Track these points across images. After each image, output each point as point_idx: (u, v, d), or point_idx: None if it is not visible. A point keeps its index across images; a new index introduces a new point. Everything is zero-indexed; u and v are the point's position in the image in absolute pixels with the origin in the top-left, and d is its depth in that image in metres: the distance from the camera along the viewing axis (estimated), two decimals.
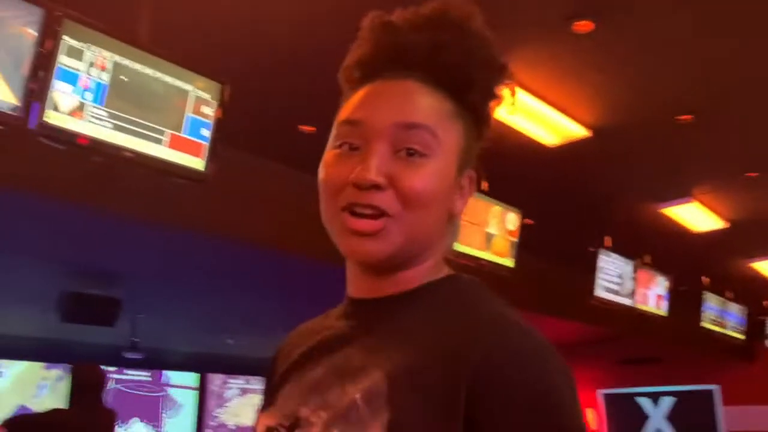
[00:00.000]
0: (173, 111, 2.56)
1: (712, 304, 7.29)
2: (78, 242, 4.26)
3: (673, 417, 9.44)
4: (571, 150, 4.06)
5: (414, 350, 0.72)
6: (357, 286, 0.83)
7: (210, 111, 2.66)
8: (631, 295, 5.67)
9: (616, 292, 5.47)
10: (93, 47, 2.36)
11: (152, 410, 8.05)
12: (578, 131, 3.88)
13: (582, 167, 4.47)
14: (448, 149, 0.79)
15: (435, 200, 0.77)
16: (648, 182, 4.85)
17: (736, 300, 7.65)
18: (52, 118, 2.27)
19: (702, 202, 5.14)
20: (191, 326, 7.24)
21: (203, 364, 8.59)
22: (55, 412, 3.77)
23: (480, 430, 0.66)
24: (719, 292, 7.34)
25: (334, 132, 0.81)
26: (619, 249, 5.42)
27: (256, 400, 8.86)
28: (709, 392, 9.22)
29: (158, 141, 2.52)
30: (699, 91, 3.57)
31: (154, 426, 8.01)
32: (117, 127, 2.42)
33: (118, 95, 2.43)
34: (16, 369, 6.96)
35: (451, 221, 0.83)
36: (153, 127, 2.51)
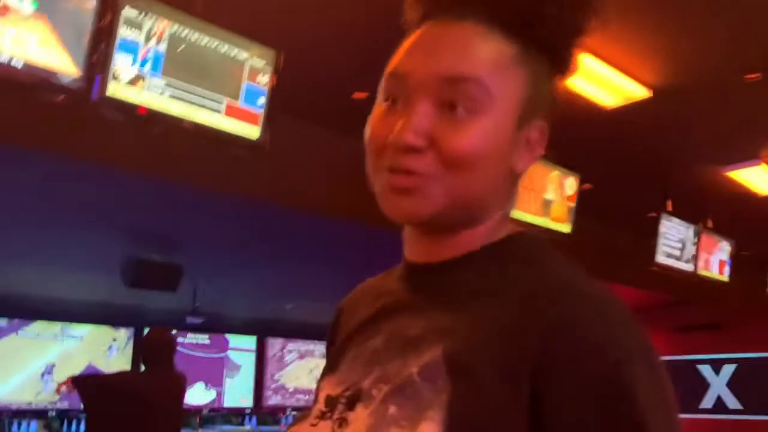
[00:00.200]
0: (230, 79, 2.58)
1: None
2: (141, 210, 4.37)
3: (734, 384, 9.26)
4: (631, 111, 3.95)
5: (472, 322, 0.67)
6: (412, 249, 0.77)
7: (265, 79, 2.68)
8: (693, 260, 5.53)
9: (677, 258, 5.35)
10: (150, 17, 2.39)
11: (213, 372, 8.28)
12: (639, 92, 3.77)
13: (643, 129, 4.34)
14: (503, 103, 0.70)
15: (485, 161, 0.69)
16: (712, 144, 4.69)
17: None
18: (112, 89, 2.32)
19: None
20: (251, 292, 7.39)
21: (262, 329, 8.76)
22: (124, 375, 3.84)
23: (545, 411, 0.61)
24: None
25: (381, 84, 0.73)
26: (681, 213, 5.28)
27: (314, 363, 9.05)
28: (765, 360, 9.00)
29: (216, 110, 2.55)
30: (765, 48, 3.42)
31: (215, 387, 8.25)
32: (175, 97, 2.46)
33: (176, 65, 2.46)
34: (84, 330, 7.25)
35: (513, 179, 0.75)
36: (210, 96, 2.54)
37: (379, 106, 0.73)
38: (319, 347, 8.48)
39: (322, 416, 0.74)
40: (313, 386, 0.85)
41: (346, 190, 3.92)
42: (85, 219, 4.56)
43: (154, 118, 2.42)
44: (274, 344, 8.90)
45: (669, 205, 5.22)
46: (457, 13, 0.71)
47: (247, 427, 8.46)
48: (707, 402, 9.36)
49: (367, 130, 0.73)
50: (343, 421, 0.70)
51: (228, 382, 8.40)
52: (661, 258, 5.19)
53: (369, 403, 0.69)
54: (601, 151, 4.65)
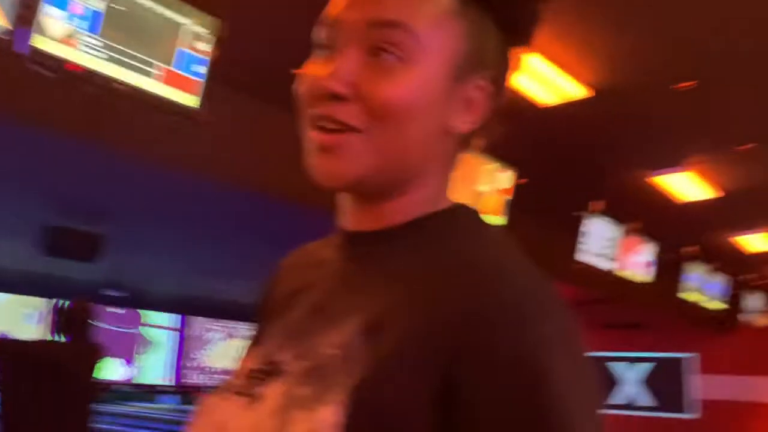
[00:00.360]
0: (164, 44, 2.50)
1: (695, 273, 7.35)
2: (64, 175, 4.20)
3: (648, 382, 9.62)
4: (569, 110, 4.01)
5: (396, 301, 0.63)
6: (346, 216, 0.72)
7: (206, 47, 2.60)
8: (616, 260, 5.70)
9: (602, 256, 5.49)
10: None
11: (126, 347, 8.09)
12: (576, 91, 3.83)
13: (579, 129, 4.43)
14: (436, 53, 0.66)
15: (414, 113, 0.65)
16: (642, 148, 4.83)
17: (720, 271, 7.73)
18: (40, 43, 2.21)
19: (694, 172, 5.13)
20: (176, 268, 7.24)
21: (185, 306, 8.60)
22: (43, 343, 3.80)
23: (459, 397, 0.57)
24: (704, 262, 7.40)
25: (314, 34, 0.70)
26: (612, 214, 5.42)
27: (241, 344, 8.92)
28: (679, 360, 9.39)
29: (148, 74, 2.47)
30: (700, 58, 3.53)
31: (126, 361, 8.07)
32: (109, 58, 2.37)
33: (112, 25, 2.37)
34: (1, 298, 7.03)
35: (451, 141, 0.70)
36: (144, 59, 2.45)
37: (313, 56, 0.69)
38: (247, 328, 8.40)
39: (237, 390, 0.69)
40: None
41: (281, 167, 3.86)
42: (6, 182, 4.36)
43: (86, 77, 2.32)
44: (195, 322, 8.75)
45: (597, 206, 5.35)
46: None
47: (166, 404, 8.33)
48: (619, 399, 9.72)
49: (298, 83, 0.69)
50: (256, 398, 0.66)
51: (143, 359, 8.23)
52: (583, 256, 5.31)
53: (285, 380, 0.65)
54: (539, 148, 4.72)
